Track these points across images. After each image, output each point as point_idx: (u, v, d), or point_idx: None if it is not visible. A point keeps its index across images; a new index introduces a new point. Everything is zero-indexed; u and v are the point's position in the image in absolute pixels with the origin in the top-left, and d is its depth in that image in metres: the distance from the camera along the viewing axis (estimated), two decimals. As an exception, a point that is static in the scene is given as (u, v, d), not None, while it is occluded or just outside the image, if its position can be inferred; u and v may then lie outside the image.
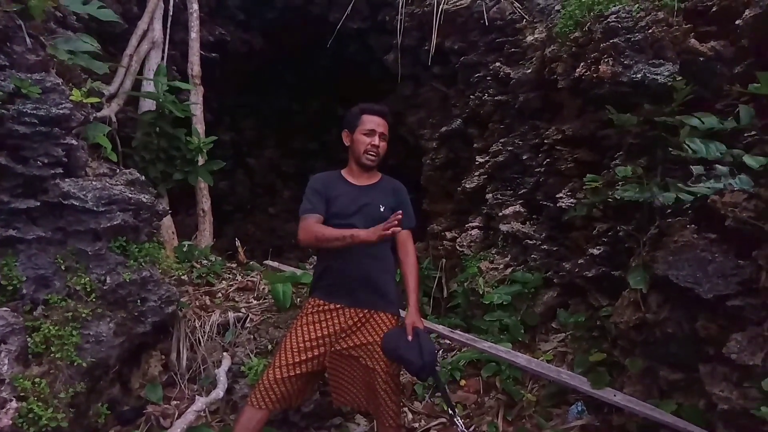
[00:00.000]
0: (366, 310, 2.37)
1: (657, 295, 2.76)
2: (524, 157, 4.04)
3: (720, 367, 2.44)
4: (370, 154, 2.47)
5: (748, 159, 2.03)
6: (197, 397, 2.82)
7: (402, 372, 2.53)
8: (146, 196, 3.01)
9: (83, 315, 2.68)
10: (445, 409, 3.00)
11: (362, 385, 2.40)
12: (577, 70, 3.23)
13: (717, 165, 2.10)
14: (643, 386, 2.82)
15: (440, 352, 3.75)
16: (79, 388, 2.63)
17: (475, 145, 4.69)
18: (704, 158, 2.47)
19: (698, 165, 2.54)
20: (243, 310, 3.52)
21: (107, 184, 2.86)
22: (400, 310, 2.52)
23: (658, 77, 2.79)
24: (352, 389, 2.44)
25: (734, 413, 2.29)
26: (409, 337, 2.30)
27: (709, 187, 2.24)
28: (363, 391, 2.41)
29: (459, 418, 2.30)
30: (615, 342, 3.04)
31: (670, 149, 2.55)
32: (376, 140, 2.47)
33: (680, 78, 2.75)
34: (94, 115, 2.99)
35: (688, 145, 2.18)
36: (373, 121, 2.49)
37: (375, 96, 6.20)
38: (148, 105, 4.27)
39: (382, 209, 2.46)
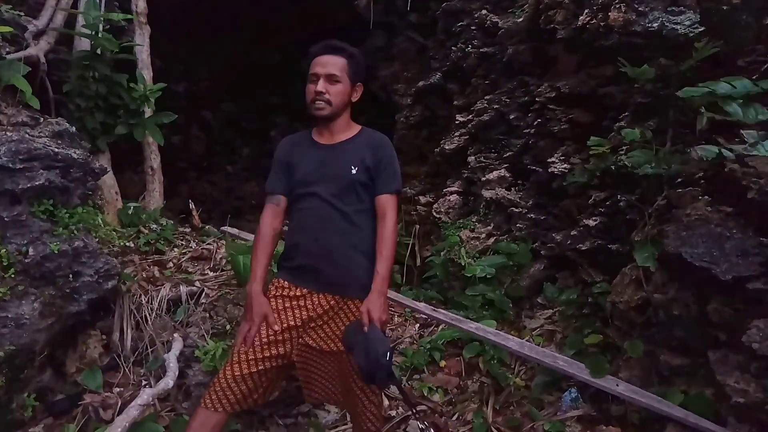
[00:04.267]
0: (338, 297, 1.98)
1: (662, 273, 2.50)
2: (511, 117, 3.69)
3: (733, 356, 2.21)
4: (317, 103, 2.00)
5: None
6: (143, 388, 2.43)
7: None
8: (77, 152, 2.53)
9: (-1, 294, 2.23)
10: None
11: (337, 380, 2.05)
12: (581, 17, 2.86)
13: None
14: (641, 371, 2.59)
15: (417, 327, 3.45)
16: (-5, 381, 2.22)
17: (455, 102, 4.31)
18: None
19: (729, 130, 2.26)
20: (197, 283, 3.11)
21: (27, 136, 2.36)
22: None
23: (678, 27, 2.45)
24: (326, 383, 2.09)
25: (751, 407, 2.08)
26: (365, 329, 1.85)
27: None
28: (339, 385, 2.07)
29: (420, 421, 1.94)
30: (610, 321, 2.80)
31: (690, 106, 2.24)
32: (320, 85, 1.98)
33: (701, 30, 2.43)
34: (7, 50, 2.43)
35: (725, 109, 1.84)
36: (318, 63, 2.01)
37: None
38: (84, 45, 3.68)
39: (354, 170, 2.00)
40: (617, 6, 2.60)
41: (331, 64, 2.01)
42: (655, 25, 2.51)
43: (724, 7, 2.47)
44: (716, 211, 2.36)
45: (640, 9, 2.56)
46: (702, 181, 2.51)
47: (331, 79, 1.99)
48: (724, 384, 2.17)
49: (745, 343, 2.09)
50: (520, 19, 3.55)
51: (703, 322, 2.34)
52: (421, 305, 2.91)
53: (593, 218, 2.95)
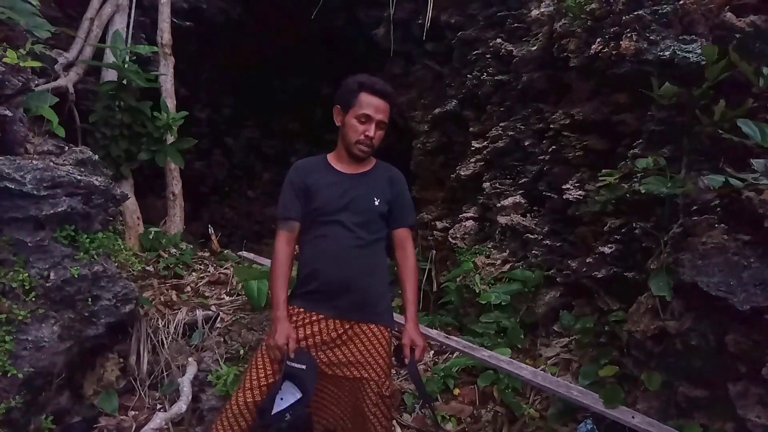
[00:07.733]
0: (352, 322, 2.01)
1: (679, 302, 2.46)
2: (526, 144, 3.70)
3: (754, 388, 2.16)
4: (363, 146, 2.04)
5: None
6: (157, 412, 2.46)
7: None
8: (99, 178, 2.61)
9: (20, 317, 2.29)
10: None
11: (348, 406, 2.06)
12: (593, 46, 2.88)
13: None
14: (659, 403, 2.53)
15: (431, 354, 3.43)
16: (14, 403, 2.26)
17: (471, 129, 4.34)
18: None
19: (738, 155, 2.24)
20: (213, 307, 3.15)
21: (51, 164, 2.45)
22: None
23: (690, 55, 2.45)
24: (335, 410, 2.10)
25: (773, 443, 2.01)
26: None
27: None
28: (349, 413, 2.07)
29: None
30: (626, 351, 2.75)
31: (705, 133, 2.22)
32: (371, 130, 2.00)
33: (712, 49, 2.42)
34: (36, 83, 2.54)
35: (740, 127, 1.83)
36: (371, 105, 2.01)
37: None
38: (111, 76, 3.82)
39: (376, 202, 2.08)
40: (629, 35, 2.62)
41: (383, 110, 2.04)
42: (666, 53, 2.51)
43: (737, 35, 2.46)
44: (733, 239, 2.32)
45: (651, 38, 2.57)
46: (718, 209, 2.48)
47: (379, 125, 2.04)
48: (745, 418, 2.12)
49: (765, 376, 2.04)
50: (534, 48, 3.59)
51: (722, 353, 2.29)
52: (434, 332, 2.90)
53: (609, 245, 2.91)
